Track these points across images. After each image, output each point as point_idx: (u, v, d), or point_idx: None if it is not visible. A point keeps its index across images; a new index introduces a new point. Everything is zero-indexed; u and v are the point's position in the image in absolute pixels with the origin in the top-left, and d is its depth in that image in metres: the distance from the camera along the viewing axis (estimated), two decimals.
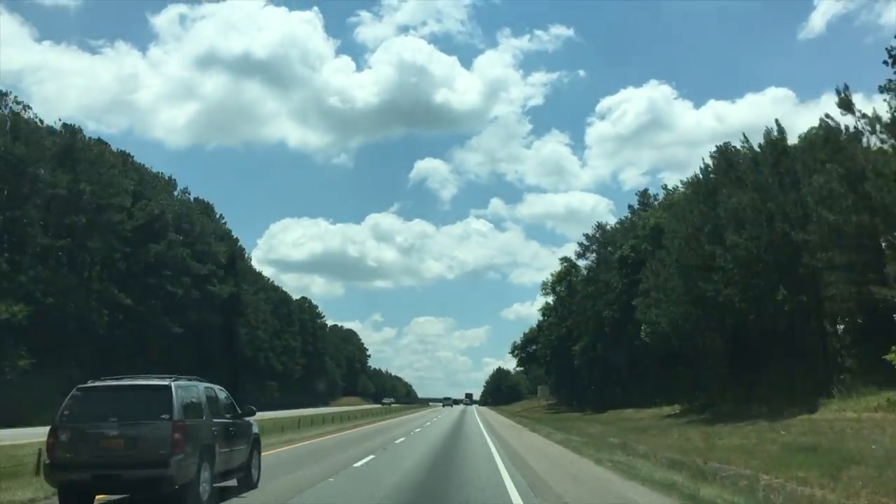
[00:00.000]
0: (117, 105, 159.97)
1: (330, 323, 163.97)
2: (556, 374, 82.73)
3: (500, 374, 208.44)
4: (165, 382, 9.66)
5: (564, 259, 71.83)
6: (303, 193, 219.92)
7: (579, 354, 69.23)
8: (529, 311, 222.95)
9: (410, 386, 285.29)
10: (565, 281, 76.69)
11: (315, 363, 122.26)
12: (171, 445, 9.00)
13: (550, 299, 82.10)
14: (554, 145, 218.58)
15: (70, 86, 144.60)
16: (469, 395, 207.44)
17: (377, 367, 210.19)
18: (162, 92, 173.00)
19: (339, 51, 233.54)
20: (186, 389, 9.98)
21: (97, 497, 9.88)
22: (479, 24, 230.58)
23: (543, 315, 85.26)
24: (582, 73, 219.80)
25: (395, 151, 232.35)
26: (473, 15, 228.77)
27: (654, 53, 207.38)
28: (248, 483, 11.86)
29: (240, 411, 11.93)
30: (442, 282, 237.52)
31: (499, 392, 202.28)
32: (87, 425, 9.21)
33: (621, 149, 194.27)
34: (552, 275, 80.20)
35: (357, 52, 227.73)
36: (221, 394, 11.51)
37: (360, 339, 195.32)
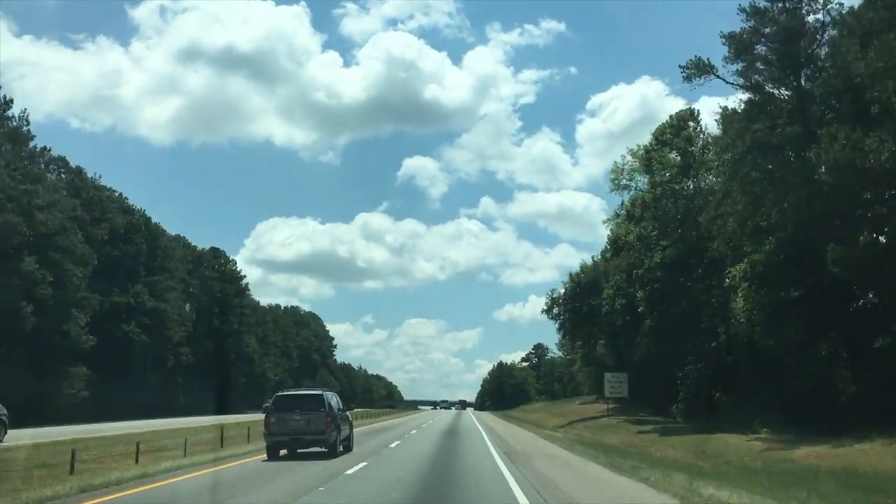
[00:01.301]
0: (100, 101, 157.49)
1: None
2: (647, 346, 39.09)
3: (501, 370, 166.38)
4: (320, 392, 20.24)
5: (691, 70, 29.34)
6: (290, 192, 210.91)
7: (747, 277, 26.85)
8: (521, 313, 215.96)
9: (395, 387, 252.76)
10: (679, 140, 34.28)
11: (228, 348, 79.54)
12: (325, 424, 18.39)
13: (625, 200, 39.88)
14: (545, 143, 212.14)
15: (52, 81, 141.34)
16: (462, 402, 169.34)
17: (346, 362, 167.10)
18: (145, 87, 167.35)
19: (326, 45, 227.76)
20: (328, 395, 20.13)
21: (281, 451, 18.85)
22: (467, 17, 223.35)
23: (617, 232, 42.36)
24: (573, 69, 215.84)
25: (383, 149, 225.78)
26: (462, 8, 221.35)
27: (646, 48, 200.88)
28: (348, 448, 20.95)
29: (343, 407, 22.12)
30: (433, 282, 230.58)
31: (500, 393, 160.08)
32: (284, 413, 18.57)
33: (613, 147, 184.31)
34: (640, 146, 38.26)
35: (344, 48, 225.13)
36: (338, 397, 21.99)
37: (322, 325, 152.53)
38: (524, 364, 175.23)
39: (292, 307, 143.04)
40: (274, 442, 18.60)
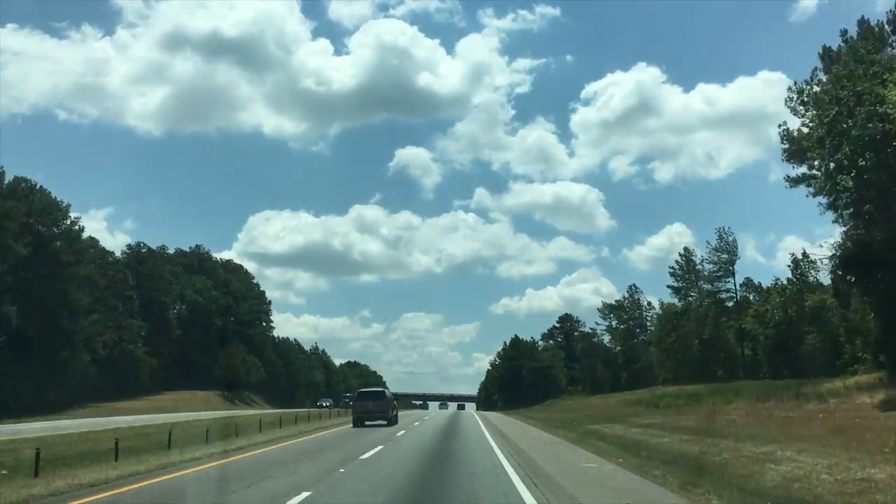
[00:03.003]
0: (85, 90, 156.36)
1: None
2: None
3: (516, 349, 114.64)
4: (382, 389, 40.48)
5: None
6: (282, 184, 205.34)
7: None
8: (518, 305, 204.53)
9: (378, 377, 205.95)
10: None
11: None
12: (386, 408, 34.09)
13: None
14: (540, 132, 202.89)
15: (36, 71, 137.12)
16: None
17: (288, 338, 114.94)
18: (131, 76, 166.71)
19: (316, 32, 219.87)
20: (387, 392, 39.32)
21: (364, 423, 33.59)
22: (459, 1, 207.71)
23: None
24: (569, 57, 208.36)
25: (375, 139, 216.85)
26: None
27: (642, 34, 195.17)
28: (396, 421, 34.96)
29: (393, 397, 38.78)
30: (429, 276, 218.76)
31: (516, 383, 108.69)
32: (363, 402, 34.46)
33: (608, 135, 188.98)
34: None
35: (335, 34, 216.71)
36: (390, 392, 42.35)
37: (250, 282, 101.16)
38: (546, 343, 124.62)
39: (195, 248, 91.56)
40: (357, 417, 33.78)
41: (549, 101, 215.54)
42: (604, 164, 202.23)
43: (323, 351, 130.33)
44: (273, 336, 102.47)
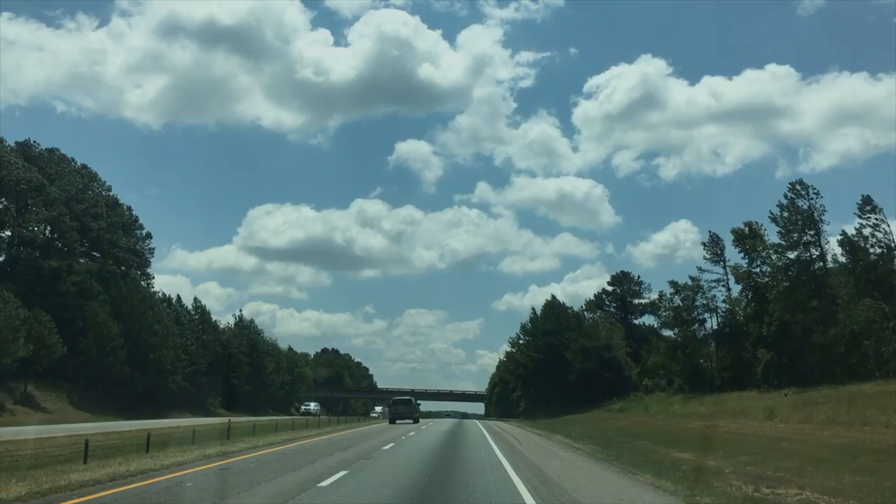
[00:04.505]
0: (82, 81, 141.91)
1: None
2: None
3: (554, 318, 70.40)
4: (410, 397, 56.79)
5: None
6: (282, 177, 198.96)
7: None
8: (522, 303, 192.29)
9: (363, 369, 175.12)
10: None
11: None
12: (413, 411, 52.67)
13: None
14: (543, 126, 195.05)
15: (33, 61, 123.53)
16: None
17: (173, 297, 70.92)
18: (127, 66, 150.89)
19: (315, 22, 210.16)
20: (413, 399, 56.01)
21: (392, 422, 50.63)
22: None
23: None
24: (573, 49, 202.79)
25: (374, 132, 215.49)
26: None
27: (647, 25, 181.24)
28: (418, 420, 52.15)
29: (416, 402, 57.49)
30: (432, 271, 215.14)
31: (555, 371, 65.49)
32: (396, 407, 52.93)
33: (612, 130, 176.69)
34: None
35: (334, 24, 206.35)
36: (415, 398, 58.83)
37: (94, 189, 58.17)
38: (592, 316, 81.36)
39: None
40: (391, 416, 49.48)
41: (552, 94, 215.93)
42: (608, 159, 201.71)
43: (251, 322, 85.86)
44: (135, 290, 58.76)
